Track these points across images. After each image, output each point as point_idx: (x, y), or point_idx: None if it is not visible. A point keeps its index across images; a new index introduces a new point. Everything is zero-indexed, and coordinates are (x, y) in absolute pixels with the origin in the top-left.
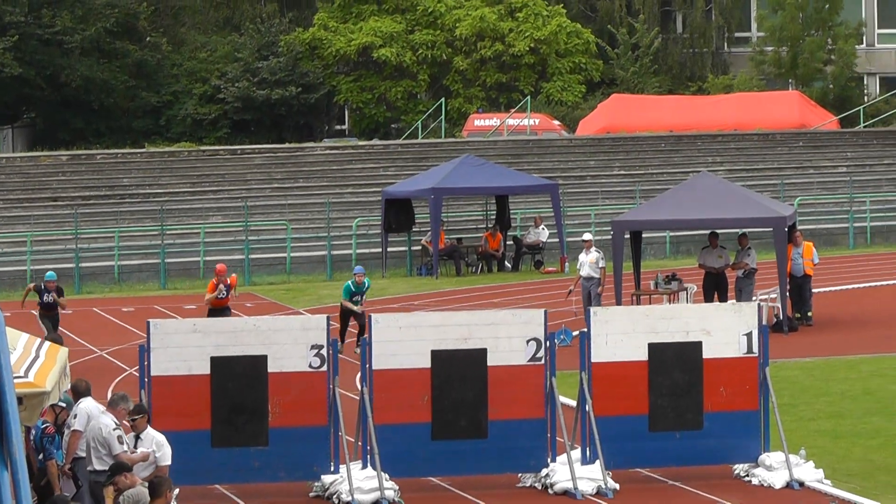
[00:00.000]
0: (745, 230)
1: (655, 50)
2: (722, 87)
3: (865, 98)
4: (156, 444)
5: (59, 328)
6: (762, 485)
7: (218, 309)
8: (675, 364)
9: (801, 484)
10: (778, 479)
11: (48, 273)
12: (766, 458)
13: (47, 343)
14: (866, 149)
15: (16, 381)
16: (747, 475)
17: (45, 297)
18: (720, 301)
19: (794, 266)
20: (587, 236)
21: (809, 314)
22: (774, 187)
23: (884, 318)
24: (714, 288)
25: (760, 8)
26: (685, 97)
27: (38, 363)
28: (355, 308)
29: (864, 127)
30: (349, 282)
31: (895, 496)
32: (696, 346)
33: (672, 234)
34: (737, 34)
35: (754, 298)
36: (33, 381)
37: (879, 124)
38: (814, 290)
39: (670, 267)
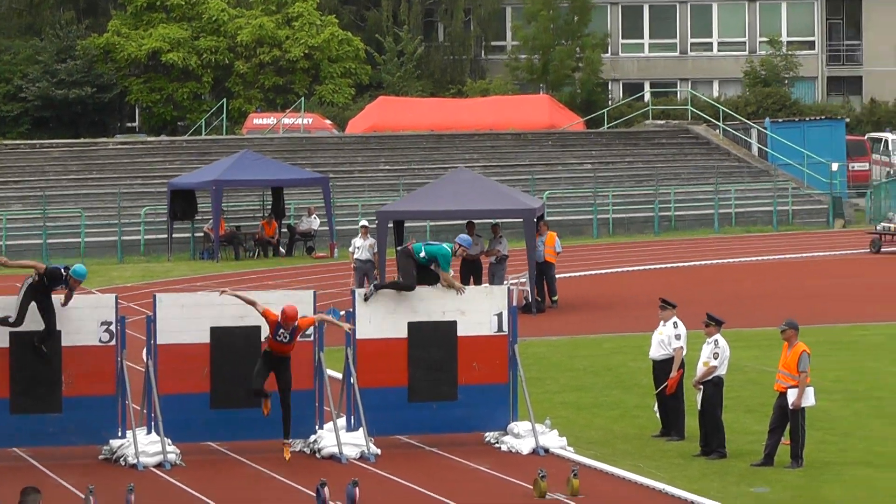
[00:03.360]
0: (497, 220)
1: (419, 57)
2: (479, 90)
3: (610, 102)
4: None
5: None
6: (511, 451)
7: (276, 357)
8: (433, 341)
9: (546, 450)
10: (525, 446)
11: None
12: (514, 426)
13: None
14: (609, 148)
15: None
16: (497, 442)
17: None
18: (475, 284)
19: (536, 253)
20: (363, 223)
21: (555, 298)
22: (526, 182)
23: (624, 300)
24: (470, 272)
25: (515, 19)
26: (445, 100)
27: None
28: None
29: (608, 128)
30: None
31: (631, 462)
32: (452, 325)
33: (432, 223)
34: (493, 43)
35: (505, 282)
36: None
37: (622, 126)
38: (561, 276)
39: None
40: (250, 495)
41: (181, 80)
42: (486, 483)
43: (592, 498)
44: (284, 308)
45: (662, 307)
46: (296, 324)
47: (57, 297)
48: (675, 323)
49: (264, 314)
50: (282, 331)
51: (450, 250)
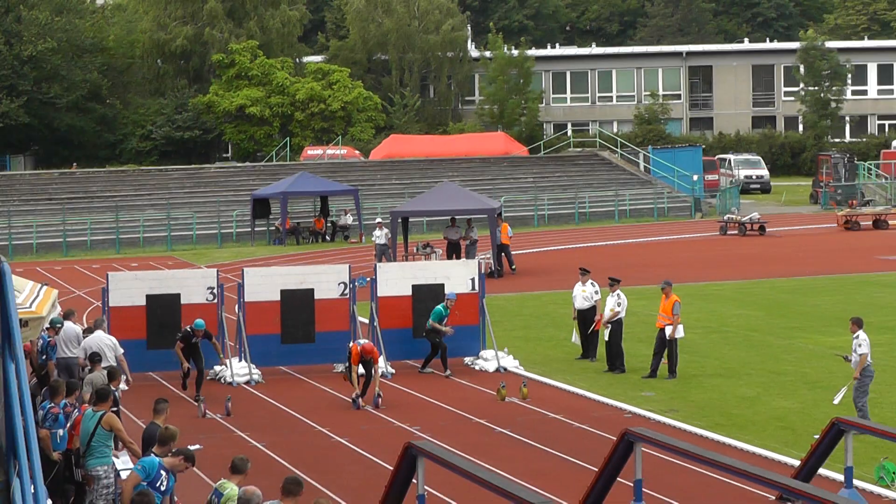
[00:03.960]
0: (470, 217)
1: (417, 107)
2: (458, 130)
3: (544, 136)
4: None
5: None
6: (481, 370)
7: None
8: (429, 297)
9: (505, 369)
10: (490, 366)
11: (197, 321)
12: (483, 353)
13: (44, 286)
14: (545, 167)
15: (22, 310)
16: (472, 364)
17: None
18: (457, 259)
19: (496, 238)
20: (379, 220)
21: (513, 267)
22: (489, 190)
23: (555, 268)
24: (453, 251)
25: (481, 82)
26: (435, 136)
27: (38, 300)
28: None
29: (544, 154)
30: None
31: (562, 376)
32: (441, 286)
33: (427, 219)
34: (466, 98)
35: (477, 258)
36: (34, 310)
37: (553, 152)
38: (515, 253)
39: (426, 239)
40: (310, 402)
41: (259, 125)
42: (466, 391)
43: (536, 400)
44: (364, 347)
45: (582, 273)
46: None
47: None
48: (592, 283)
49: (354, 354)
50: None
51: (442, 309)
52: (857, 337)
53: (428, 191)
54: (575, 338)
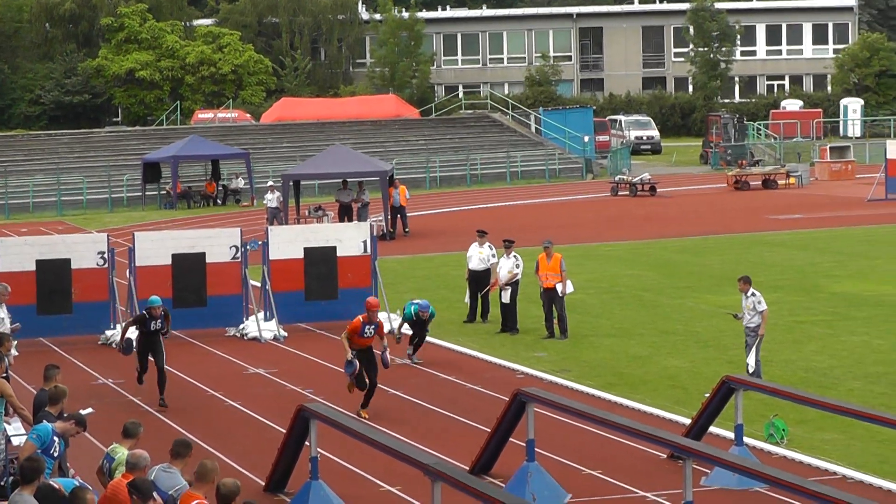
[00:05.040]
0: (361, 179)
1: (308, 71)
2: (349, 93)
3: (436, 99)
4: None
5: None
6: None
7: (361, 350)
8: (321, 260)
9: (398, 332)
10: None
11: (152, 298)
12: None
13: None
14: (437, 129)
15: None
16: None
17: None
18: (349, 221)
19: (393, 200)
20: (271, 183)
21: (407, 229)
22: (381, 153)
23: (448, 230)
24: (345, 214)
25: (373, 45)
26: (326, 99)
27: None
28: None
29: (436, 116)
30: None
31: (454, 337)
32: (333, 249)
33: (319, 182)
34: (358, 60)
35: (369, 220)
36: None
37: (444, 115)
38: (409, 215)
39: (318, 202)
40: (202, 367)
41: (149, 88)
42: None
43: (428, 363)
44: (368, 300)
45: (480, 234)
46: (378, 322)
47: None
48: (489, 245)
49: (351, 331)
50: (367, 327)
51: (411, 312)
52: (754, 295)
53: (319, 154)
54: (468, 298)
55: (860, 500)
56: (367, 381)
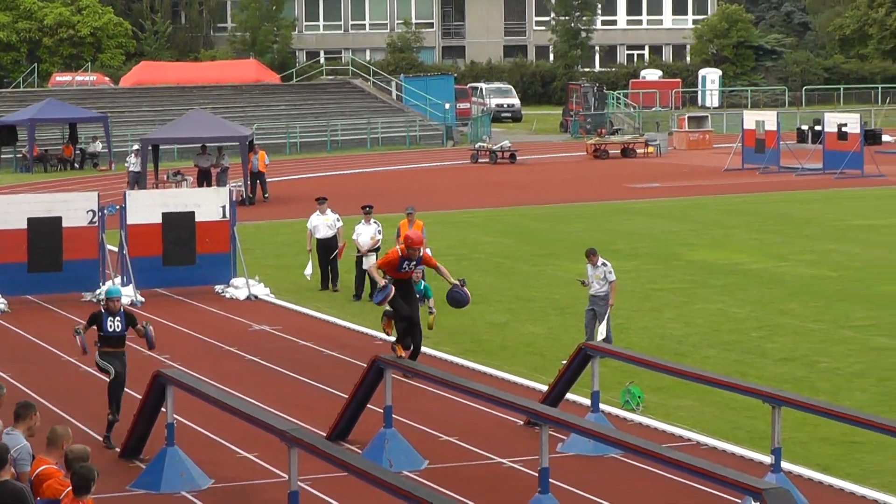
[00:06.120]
0: (221, 145)
1: (168, 34)
2: (209, 57)
3: (297, 64)
4: None
5: None
6: (232, 298)
7: (400, 281)
8: (179, 225)
9: (256, 297)
10: (241, 294)
11: (110, 288)
12: (234, 281)
13: None
14: (298, 95)
15: None
16: (223, 292)
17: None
18: (208, 186)
19: (252, 165)
20: (136, 147)
21: (266, 195)
22: (241, 118)
23: (308, 196)
24: (204, 179)
25: (234, 9)
26: (187, 63)
27: None
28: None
29: (297, 81)
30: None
31: (313, 305)
32: (192, 214)
33: (178, 147)
34: (219, 25)
35: (228, 185)
36: None
37: (305, 80)
38: (269, 181)
39: (177, 167)
40: (57, 332)
41: (6, 50)
42: (216, 319)
43: (287, 328)
44: (408, 234)
45: (320, 202)
46: (421, 252)
47: None
48: (330, 210)
49: (385, 264)
50: (406, 263)
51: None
52: (605, 265)
53: (179, 118)
54: (309, 269)
55: (713, 465)
56: (410, 339)
